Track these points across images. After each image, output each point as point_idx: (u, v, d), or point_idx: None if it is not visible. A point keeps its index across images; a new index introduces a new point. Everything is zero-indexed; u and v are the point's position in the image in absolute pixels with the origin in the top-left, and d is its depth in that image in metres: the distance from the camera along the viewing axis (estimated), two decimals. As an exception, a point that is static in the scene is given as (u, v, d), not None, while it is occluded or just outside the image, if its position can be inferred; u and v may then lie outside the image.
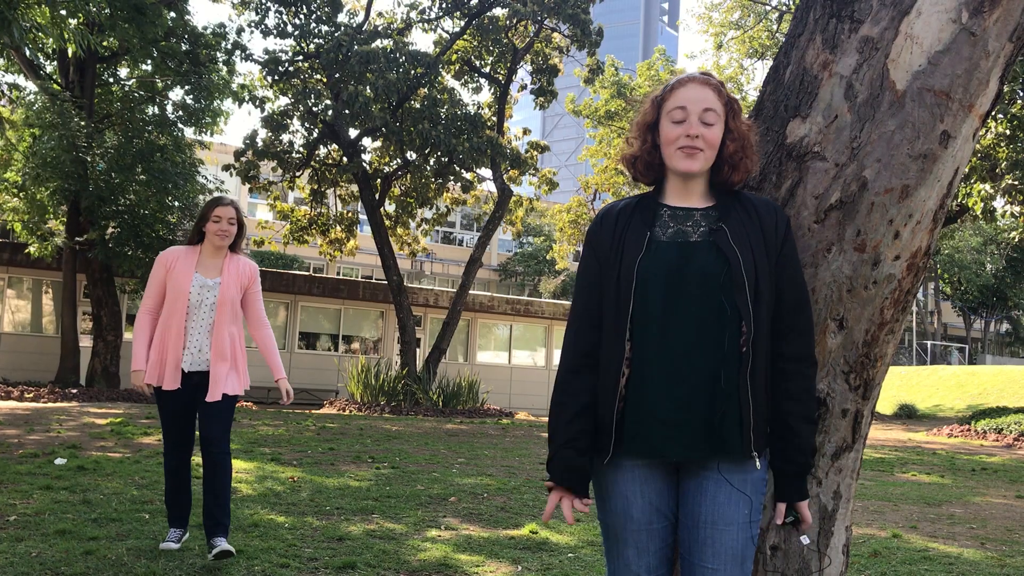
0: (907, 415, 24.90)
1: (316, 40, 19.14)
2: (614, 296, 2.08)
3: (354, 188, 21.76)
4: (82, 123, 16.35)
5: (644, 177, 2.22)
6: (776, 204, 2.19)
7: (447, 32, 21.20)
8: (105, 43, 17.31)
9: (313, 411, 17.72)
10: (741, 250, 2.03)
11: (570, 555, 5.27)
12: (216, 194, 17.10)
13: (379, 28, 19.99)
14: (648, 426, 2.03)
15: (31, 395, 15.06)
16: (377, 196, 20.39)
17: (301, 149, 20.35)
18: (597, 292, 2.14)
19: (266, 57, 18.95)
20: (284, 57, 19.36)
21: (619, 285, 2.07)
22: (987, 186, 17.90)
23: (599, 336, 2.12)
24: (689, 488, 2.08)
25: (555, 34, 21.13)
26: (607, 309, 2.10)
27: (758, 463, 2.06)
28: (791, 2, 22.68)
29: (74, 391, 15.93)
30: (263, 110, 19.77)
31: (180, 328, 4.59)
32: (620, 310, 2.06)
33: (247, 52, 19.11)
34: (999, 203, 19.23)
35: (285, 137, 20.21)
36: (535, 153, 21.85)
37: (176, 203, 17.93)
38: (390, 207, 22.60)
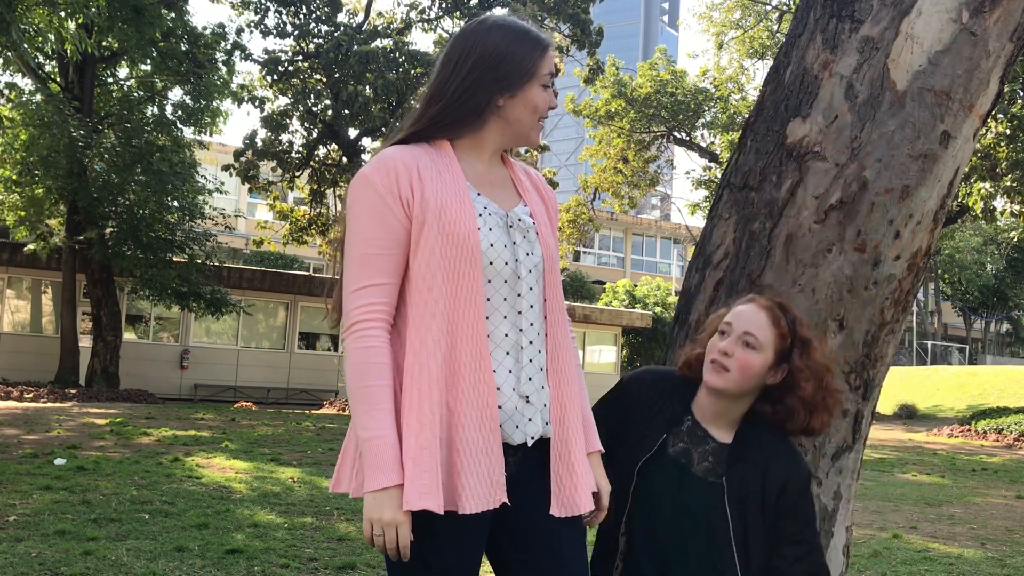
0: (907, 415, 24.88)
1: (316, 40, 19.16)
2: (616, 479, 1.94)
3: (354, 188, 21.75)
4: (80, 123, 16.32)
5: (694, 373, 2.07)
6: (798, 462, 2.03)
7: (447, 32, 21.20)
8: (105, 43, 17.30)
9: (313, 411, 17.71)
10: (733, 511, 1.93)
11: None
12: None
13: (379, 28, 20.01)
14: None
15: (31, 395, 15.05)
16: (377, 196, 20.36)
17: (301, 149, 20.36)
18: None
19: (266, 57, 18.97)
20: (284, 57, 19.38)
21: (620, 473, 1.96)
22: (987, 186, 17.91)
23: None
24: None
25: (555, 34, 21.13)
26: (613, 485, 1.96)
27: None
28: (791, 2, 22.68)
29: (73, 391, 15.92)
30: (263, 110, 19.78)
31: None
32: (619, 501, 1.95)
33: (247, 52, 19.10)
34: (999, 203, 19.25)
35: (285, 137, 20.23)
36: (535, 153, 21.85)
37: (175, 203, 17.91)
38: (390, 207, 22.56)
